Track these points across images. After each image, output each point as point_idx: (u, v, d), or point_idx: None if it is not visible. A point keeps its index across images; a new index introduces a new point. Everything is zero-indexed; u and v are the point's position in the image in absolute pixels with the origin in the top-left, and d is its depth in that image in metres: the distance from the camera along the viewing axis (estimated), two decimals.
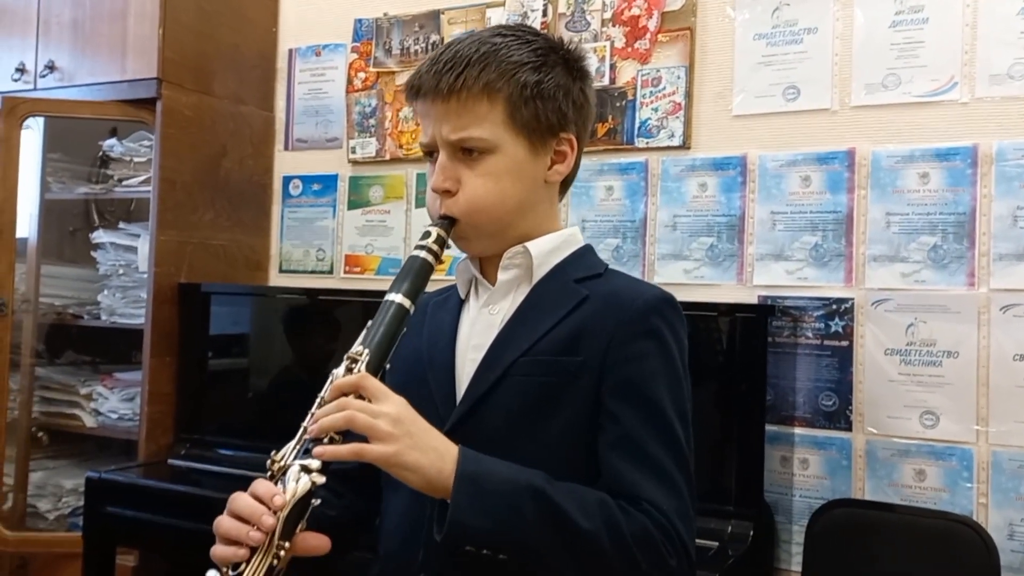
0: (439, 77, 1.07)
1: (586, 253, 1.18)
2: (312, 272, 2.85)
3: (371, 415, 0.92)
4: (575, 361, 1.05)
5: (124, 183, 2.70)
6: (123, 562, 2.46)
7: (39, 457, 2.79)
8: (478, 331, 1.13)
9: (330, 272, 2.82)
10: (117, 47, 2.57)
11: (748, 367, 1.99)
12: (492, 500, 0.92)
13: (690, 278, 2.28)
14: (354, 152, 2.77)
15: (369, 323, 1.02)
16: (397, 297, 1.03)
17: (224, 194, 2.77)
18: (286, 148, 2.92)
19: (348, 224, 2.79)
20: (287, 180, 2.91)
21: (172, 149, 2.58)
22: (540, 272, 1.13)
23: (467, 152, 1.09)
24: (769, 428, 2.08)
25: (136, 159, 2.68)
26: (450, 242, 1.10)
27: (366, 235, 2.76)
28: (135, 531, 2.37)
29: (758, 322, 2.02)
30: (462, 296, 1.19)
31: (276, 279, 2.92)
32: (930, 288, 2.06)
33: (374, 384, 0.95)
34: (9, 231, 2.58)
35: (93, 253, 2.74)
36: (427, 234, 1.08)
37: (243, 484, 2.52)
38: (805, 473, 2.17)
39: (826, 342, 2.15)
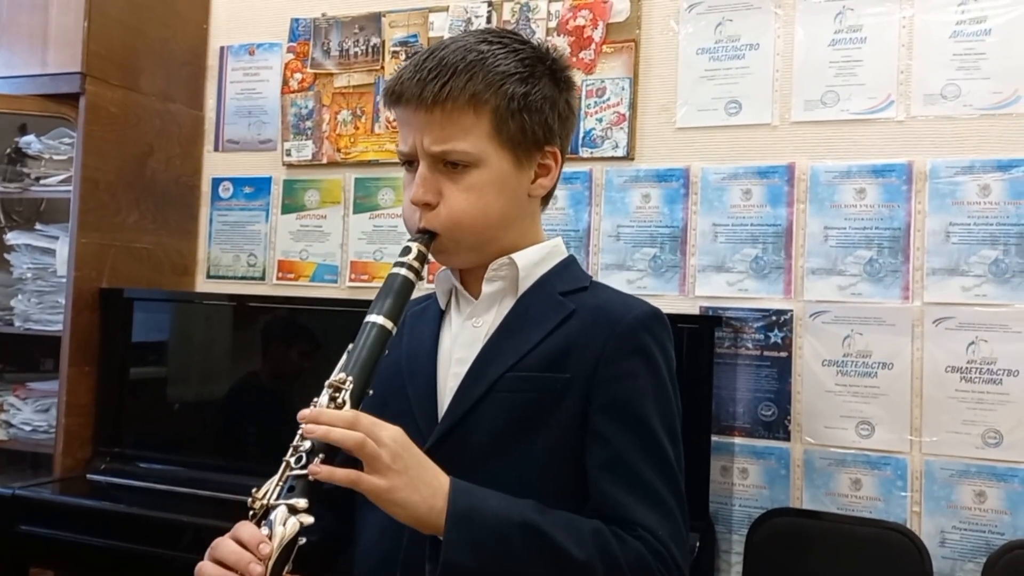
0: (423, 85, 1.02)
1: (570, 265, 1.15)
2: (242, 278, 2.75)
3: (377, 443, 0.88)
4: (562, 378, 1.02)
5: (42, 182, 2.55)
6: None
7: None
8: (461, 344, 1.09)
9: (262, 278, 2.72)
10: (38, 38, 2.43)
11: (693, 379, 2.00)
12: (483, 537, 0.89)
13: (633, 288, 2.28)
14: (289, 155, 2.69)
15: (350, 347, 0.96)
16: (378, 319, 0.97)
17: (150, 195, 2.65)
18: (216, 149, 2.82)
19: (282, 229, 2.70)
20: (216, 182, 2.80)
21: (95, 147, 2.45)
22: (525, 284, 1.10)
23: (450, 165, 1.04)
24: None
25: (55, 157, 2.53)
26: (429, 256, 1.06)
27: (301, 240, 2.67)
28: (50, 550, 2.25)
29: (703, 333, 2.04)
30: (442, 307, 1.15)
31: (203, 285, 2.81)
32: (866, 301, 2.11)
33: (369, 420, 0.90)
34: None
35: (7, 255, 2.58)
36: (407, 250, 1.03)
37: (165, 500, 2.38)
38: (744, 483, 2.19)
39: (766, 353, 2.18)
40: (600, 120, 2.34)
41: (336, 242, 2.63)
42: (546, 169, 1.11)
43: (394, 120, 2.48)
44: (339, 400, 0.91)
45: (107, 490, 2.37)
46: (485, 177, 1.04)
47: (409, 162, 1.08)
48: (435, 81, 1.02)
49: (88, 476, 2.43)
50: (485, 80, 1.03)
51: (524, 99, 1.05)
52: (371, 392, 0.95)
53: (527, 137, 1.06)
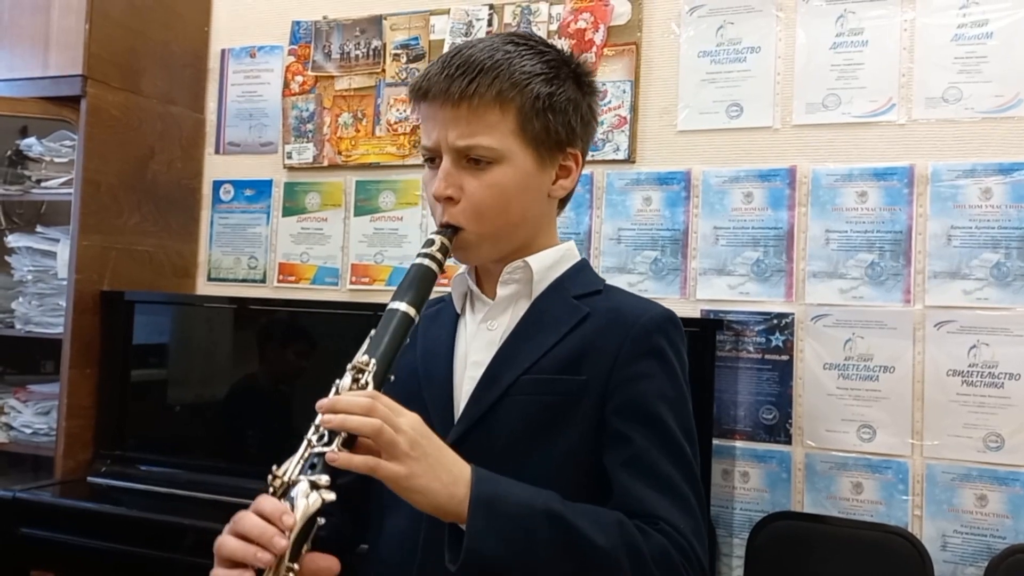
0: (450, 81, 1.04)
1: (584, 268, 1.17)
2: (243, 281, 2.75)
3: (394, 429, 0.87)
4: (578, 380, 1.03)
5: (43, 184, 2.55)
6: None
7: None
8: (477, 347, 1.10)
9: (263, 281, 2.72)
10: (39, 41, 2.43)
11: (694, 382, 1.98)
12: (507, 526, 0.89)
13: (634, 291, 2.25)
14: (290, 157, 2.69)
15: (372, 332, 0.97)
16: (401, 306, 0.98)
17: (151, 198, 2.65)
18: (217, 151, 2.82)
19: (283, 231, 2.70)
20: (217, 184, 2.80)
21: (96, 150, 2.45)
22: (539, 287, 1.11)
23: (473, 161, 1.05)
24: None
25: (56, 159, 2.53)
26: None
27: (301, 243, 2.67)
28: (51, 553, 2.24)
29: (704, 336, 2.03)
30: (457, 310, 1.16)
31: (204, 287, 2.81)
32: (867, 304, 2.10)
33: (388, 402, 0.90)
34: None
35: (7, 258, 2.58)
36: (430, 242, 1.04)
37: (166, 503, 2.37)
38: (746, 486, 2.19)
39: (767, 356, 2.18)
40: (601, 123, 2.34)
41: (337, 245, 2.63)
42: (567, 171, 1.12)
43: (404, 114, 2.51)
44: (362, 381, 0.91)
45: (108, 493, 2.37)
46: (508, 174, 1.06)
47: (431, 159, 1.09)
48: (463, 77, 1.04)
49: (89, 479, 2.43)
50: (511, 79, 1.05)
51: (549, 99, 1.07)
52: (392, 378, 0.95)
53: (550, 137, 1.08)
